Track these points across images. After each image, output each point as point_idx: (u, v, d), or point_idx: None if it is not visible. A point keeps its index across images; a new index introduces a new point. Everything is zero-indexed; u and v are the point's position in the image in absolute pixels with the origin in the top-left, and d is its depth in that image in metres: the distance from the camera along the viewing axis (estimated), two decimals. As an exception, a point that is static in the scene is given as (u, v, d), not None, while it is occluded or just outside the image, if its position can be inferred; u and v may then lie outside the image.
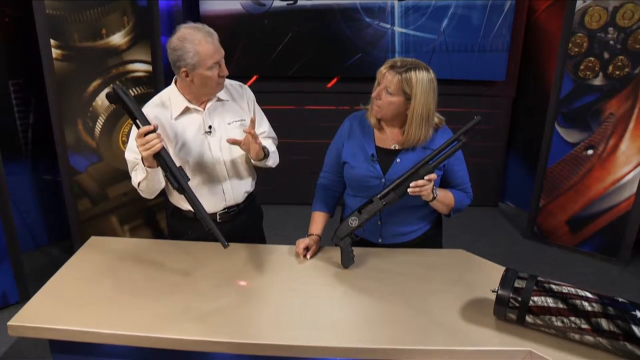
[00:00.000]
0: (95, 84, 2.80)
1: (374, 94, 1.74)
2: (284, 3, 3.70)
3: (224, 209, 1.90)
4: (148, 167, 1.68)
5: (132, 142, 1.74)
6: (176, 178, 1.63)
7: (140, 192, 1.82)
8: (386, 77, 1.69)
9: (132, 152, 1.76)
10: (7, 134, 3.16)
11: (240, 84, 1.94)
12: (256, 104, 1.95)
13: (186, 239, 1.93)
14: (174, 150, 1.78)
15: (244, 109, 1.89)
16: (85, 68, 2.75)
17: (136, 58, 2.89)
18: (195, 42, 1.64)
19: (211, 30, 1.70)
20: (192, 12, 3.81)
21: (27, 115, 3.24)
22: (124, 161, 2.93)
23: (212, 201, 1.86)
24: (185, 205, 1.89)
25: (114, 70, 2.83)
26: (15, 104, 3.17)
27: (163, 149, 1.62)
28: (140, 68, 2.92)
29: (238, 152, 1.86)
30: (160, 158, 1.62)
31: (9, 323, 1.43)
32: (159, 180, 1.77)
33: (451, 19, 3.65)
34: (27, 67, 3.12)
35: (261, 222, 2.12)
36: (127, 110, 1.61)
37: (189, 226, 1.93)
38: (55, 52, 2.65)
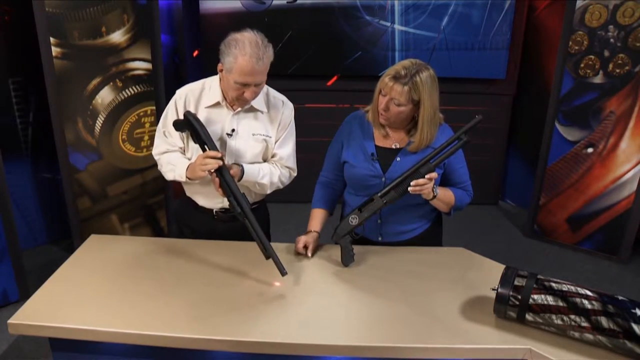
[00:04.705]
0: (95, 82, 2.80)
1: (382, 107, 1.71)
2: (284, 1, 3.69)
3: (222, 208, 1.89)
4: (189, 178, 1.75)
5: (163, 136, 1.84)
6: (239, 203, 1.65)
7: (159, 166, 1.88)
8: (394, 89, 1.66)
9: (164, 143, 1.85)
10: (7, 132, 3.16)
11: (284, 100, 1.88)
12: (289, 126, 1.88)
13: (193, 229, 1.94)
14: None
15: (274, 127, 1.85)
16: (85, 66, 2.75)
17: (136, 56, 2.89)
18: (241, 51, 1.60)
19: (267, 55, 1.64)
20: (192, 11, 3.81)
21: (27, 114, 3.23)
22: (124, 160, 2.98)
23: (210, 198, 1.86)
24: (202, 201, 1.90)
25: (113, 69, 2.83)
26: (15, 102, 3.17)
27: (228, 173, 1.66)
28: (140, 66, 2.92)
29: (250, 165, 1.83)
30: (224, 182, 1.65)
31: (9, 321, 1.43)
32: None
33: (451, 17, 3.64)
34: (26, 65, 3.12)
35: (267, 230, 2.06)
36: (197, 135, 1.68)
37: (195, 216, 1.93)
38: (55, 50, 2.65)
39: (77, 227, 2.94)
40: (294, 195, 3.96)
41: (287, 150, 1.88)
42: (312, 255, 1.80)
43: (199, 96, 1.80)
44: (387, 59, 3.78)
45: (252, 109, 1.81)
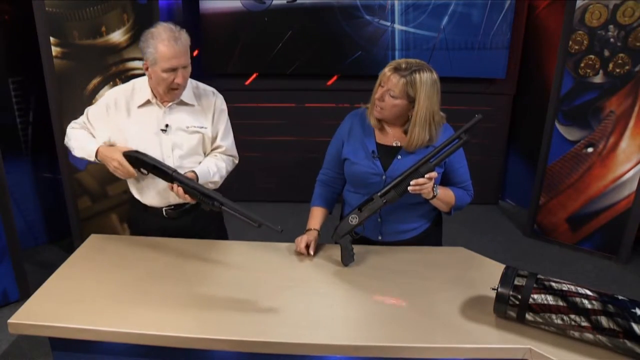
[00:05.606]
0: (95, 81, 2.80)
1: (377, 96, 1.72)
2: (284, 1, 3.69)
3: (169, 205, 1.91)
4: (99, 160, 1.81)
5: (83, 124, 1.91)
6: (211, 197, 1.65)
7: (67, 139, 1.91)
8: (390, 80, 1.67)
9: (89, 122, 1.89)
10: (7, 132, 3.16)
11: (214, 91, 1.92)
12: (224, 115, 1.92)
13: (145, 231, 1.95)
14: (127, 136, 1.81)
15: (208, 118, 1.87)
16: (85, 66, 2.75)
17: (136, 56, 2.89)
18: (158, 40, 1.66)
19: (183, 36, 1.70)
20: (192, 10, 3.80)
21: (27, 113, 3.24)
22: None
23: (157, 197, 1.88)
24: (149, 199, 1.90)
25: (113, 68, 2.83)
26: (15, 102, 3.17)
27: (185, 177, 1.68)
28: (140, 66, 2.91)
29: (189, 158, 1.85)
30: (188, 187, 1.67)
31: (9, 321, 1.43)
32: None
33: (451, 16, 3.64)
34: (27, 65, 3.12)
35: (220, 222, 2.09)
36: (146, 165, 1.73)
37: (145, 218, 1.94)
38: (55, 50, 2.65)
39: (77, 227, 2.95)
40: (293, 195, 3.97)
41: (228, 141, 1.94)
42: (314, 253, 1.80)
43: (130, 97, 1.83)
44: (387, 59, 3.77)
45: (182, 103, 1.84)
